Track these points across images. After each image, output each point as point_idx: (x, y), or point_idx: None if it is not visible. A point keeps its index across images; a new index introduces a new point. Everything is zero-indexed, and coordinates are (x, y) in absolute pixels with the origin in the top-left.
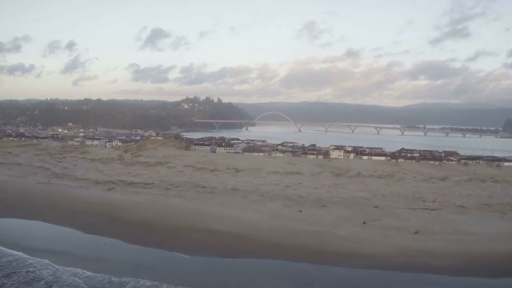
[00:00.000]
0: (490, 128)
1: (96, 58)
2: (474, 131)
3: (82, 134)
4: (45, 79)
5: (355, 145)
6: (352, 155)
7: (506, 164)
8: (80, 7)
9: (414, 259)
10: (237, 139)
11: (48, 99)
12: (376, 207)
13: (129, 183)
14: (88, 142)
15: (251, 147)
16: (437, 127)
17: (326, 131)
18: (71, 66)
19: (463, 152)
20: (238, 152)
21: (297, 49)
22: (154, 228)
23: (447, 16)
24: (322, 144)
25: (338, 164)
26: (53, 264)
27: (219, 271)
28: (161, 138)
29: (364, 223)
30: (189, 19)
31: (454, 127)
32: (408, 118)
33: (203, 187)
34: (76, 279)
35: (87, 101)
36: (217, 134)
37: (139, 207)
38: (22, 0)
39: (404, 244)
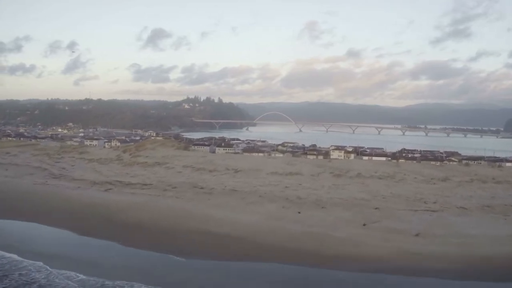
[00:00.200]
0: (492, 129)
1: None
2: (475, 131)
3: (81, 134)
4: (46, 79)
5: (356, 145)
6: (352, 156)
7: (507, 164)
8: (82, 7)
9: (414, 262)
10: (237, 139)
11: (49, 99)
12: (376, 208)
13: (127, 184)
14: (87, 142)
15: (251, 148)
16: (438, 127)
17: (327, 131)
18: (72, 66)
19: (464, 152)
20: (238, 153)
21: (299, 49)
22: (151, 230)
23: (448, 16)
24: (323, 144)
25: (338, 164)
26: (47, 267)
27: (215, 274)
28: (160, 138)
29: (364, 225)
30: (190, 19)
31: (455, 127)
32: (409, 118)
33: (201, 188)
34: (70, 282)
35: (87, 101)
36: (217, 134)
37: (136, 208)
38: (23, 0)
39: (404, 247)
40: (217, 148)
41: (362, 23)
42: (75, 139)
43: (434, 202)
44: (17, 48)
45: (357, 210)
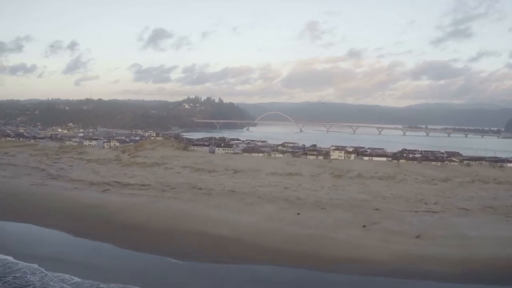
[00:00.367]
0: (492, 129)
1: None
2: (476, 131)
3: (81, 134)
4: (47, 79)
5: (356, 146)
6: (353, 156)
7: (509, 165)
8: (83, 7)
9: (415, 265)
10: (238, 139)
11: (50, 99)
12: (376, 209)
13: (125, 185)
14: (86, 143)
15: (251, 148)
16: (439, 127)
17: (328, 131)
18: (73, 66)
19: (465, 152)
20: (238, 153)
21: (299, 49)
22: (148, 231)
23: (449, 16)
24: (323, 144)
25: (338, 165)
26: (42, 269)
27: (212, 277)
28: (160, 138)
29: (364, 226)
30: (191, 19)
31: (456, 127)
32: (410, 118)
33: (200, 189)
34: (64, 285)
35: (88, 101)
36: (218, 135)
37: (133, 209)
38: (23, 0)
39: (404, 249)
40: (216, 148)
41: (363, 23)
42: (74, 139)
43: (435, 203)
44: (18, 48)
45: (357, 211)
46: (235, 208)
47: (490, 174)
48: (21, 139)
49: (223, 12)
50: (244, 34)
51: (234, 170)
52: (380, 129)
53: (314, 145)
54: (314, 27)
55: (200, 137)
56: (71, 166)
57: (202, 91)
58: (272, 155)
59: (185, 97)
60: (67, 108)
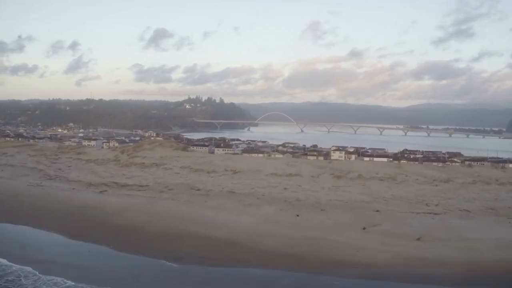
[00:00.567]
0: (494, 129)
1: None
2: (477, 131)
3: (81, 135)
4: (48, 79)
5: (357, 146)
6: (353, 156)
7: (511, 165)
8: (84, 7)
9: (415, 268)
10: (238, 140)
11: (51, 99)
12: (377, 211)
13: (123, 185)
14: (85, 143)
15: (251, 148)
16: (440, 127)
17: (329, 131)
18: (74, 66)
19: (466, 153)
20: (237, 153)
21: (301, 49)
22: (144, 233)
23: (451, 16)
24: (324, 144)
25: (338, 165)
26: (36, 272)
27: (207, 282)
28: (160, 138)
29: (364, 228)
30: (192, 19)
31: (458, 127)
32: (411, 119)
33: (198, 190)
34: None
35: (88, 101)
36: (218, 135)
37: (130, 211)
38: (24, 0)
39: (405, 252)
40: (216, 149)
41: (365, 23)
42: (73, 140)
43: (436, 205)
44: (20, 48)
45: (357, 212)
46: (234, 210)
47: (492, 175)
48: (20, 139)
49: (225, 12)
50: (245, 34)
51: (234, 170)
52: (381, 129)
53: (315, 146)
54: (316, 27)
55: (201, 138)
56: (69, 166)
57: (203, 91)
58: (272, 156)
59: (186, 97)
60: (67, 108)
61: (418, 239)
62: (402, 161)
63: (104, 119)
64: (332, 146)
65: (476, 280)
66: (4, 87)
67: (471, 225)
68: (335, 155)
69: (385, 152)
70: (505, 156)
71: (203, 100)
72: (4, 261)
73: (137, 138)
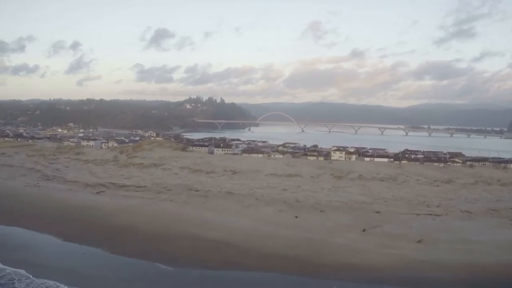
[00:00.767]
0: (495, 129)
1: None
2: (479, 131)
3: (81, 135)
4: (49, 79)
5: (358, 146)
6: (354, 157)
7: None
8: (85, 7)
9: (416, 272)
10: (238, 140)
11: (51, 99)
12: (377, 212)
13: (121, 186)
14: (84, 143)
15: (251, 148)
16: (441, 127)
17: (330, 131)
18: (75, 66)
19: (468, 153)
20: (237, 154)
21: (302, 49)
22: (140, 235)
23: (452, 16)
24: (324, 144)
25: (339, 166)
26: (30, 275)
27: (202, 286)
28: (160, 138)
29: (363, 230)
30: (193, 19)
31: (459, 127)
32: (412, 119)
33: (197, 190)
34: None
35: (89, 101)
36: (219, 135)
37: (127, 212)
38: (25, 0)
39: (405, 255)
40: (215, 149)
41: (366, 23)
42: (72, 140)
43: (438, 206)
44: (21, 48)
45: (357, 214)
46: (232, 211)
47: (494, 175)
48: (19, 139)
49: (225, 12)
50: (246, 34)
51: (233, 171)
52: (382, 130)
53: (315, 146)
54: (317, 27)
55: (201, 138)
56: (67, 167)
57: (204, 91)
58: (272, 156)
59: (187, 97)
60: (68, 108)
61: (419, 241)
62: (403, 161)
63: (104, 119)
64: (333, 146)
65: (478, 283)
66: (5, 87)
67: (472, 226)
68: (336, 155)
69: (386, 152)
70: (506, 156)
71: (204, 100)
72: None
73: (137, 138)
